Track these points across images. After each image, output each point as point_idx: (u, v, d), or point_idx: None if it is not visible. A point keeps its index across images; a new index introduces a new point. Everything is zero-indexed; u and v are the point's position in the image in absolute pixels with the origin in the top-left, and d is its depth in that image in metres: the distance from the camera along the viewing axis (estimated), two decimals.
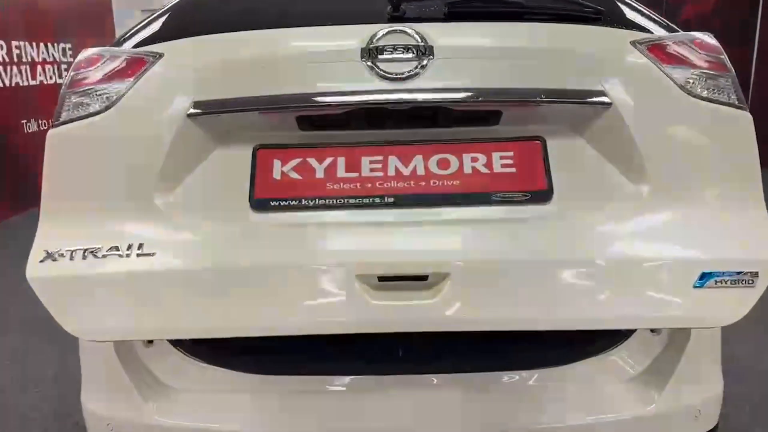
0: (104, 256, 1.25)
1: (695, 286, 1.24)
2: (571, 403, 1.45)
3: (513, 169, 1.33)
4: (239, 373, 1.47)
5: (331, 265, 1.24)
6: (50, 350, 2.75)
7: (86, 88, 1.34)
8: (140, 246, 1.26)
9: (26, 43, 5.47)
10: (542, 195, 1.31)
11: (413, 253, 1.26)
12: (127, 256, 1.25)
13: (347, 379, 1.47)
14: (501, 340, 1.53)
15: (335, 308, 1.25)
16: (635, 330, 1.48)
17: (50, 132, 1.33)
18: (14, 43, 5.30)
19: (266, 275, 1.25)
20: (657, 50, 1.33)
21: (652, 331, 1.49)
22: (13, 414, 2.34)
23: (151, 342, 1.49)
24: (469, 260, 1.25)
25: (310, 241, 1.28)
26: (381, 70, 1.29)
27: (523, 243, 1.27)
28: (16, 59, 5.33)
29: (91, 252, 1.26)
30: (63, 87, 1.37)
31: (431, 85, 1.29)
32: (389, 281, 1.26)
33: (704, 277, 1.24)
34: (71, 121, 1.32)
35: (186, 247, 1.28)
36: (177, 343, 1.50)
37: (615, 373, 1.47)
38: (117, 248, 1.26)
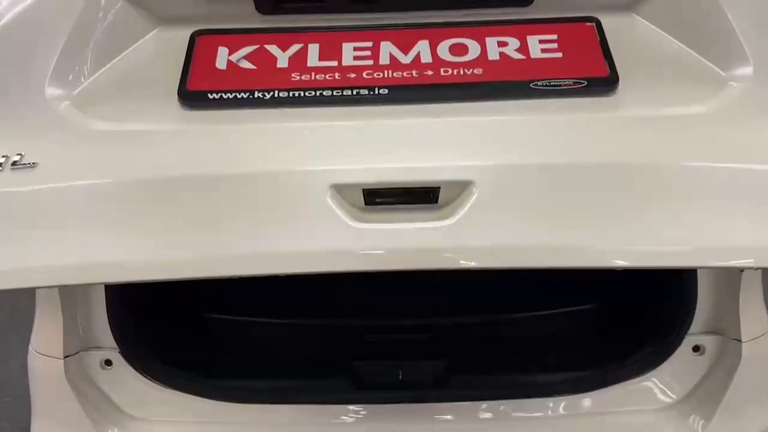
0: None
1: None
2: None
3: (558, 54, 0.99)
4: (211, 402, 1.33)
5: (293, 173, 0.90)
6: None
7: None
8: (18, 157, 0.92)
9: None
10: (604, 82, 0.95)
11: (417, 156, 0.90)
12: None
13: (334, 408, 1.32)
14: (518, 360, 1.38)
15: (300, 235, 0.89)
16: (675, 349, 1.30)
17: None
18: None
19: (195, 191, 0.91)
20: None
21: (694, 350, 1.31)
22: None
23: (109, 363, 1.33)
24: (505, 164, 0.89)
25: (263, 144, 0.94)
26: None
27: (582, 142, 0.91)
28: None
29: None
30: None
31: None
32: (382, 199, 0.91)
33: None
34: None
35: (81, 154, 0.95)
36: (140, 367, 1.33)
37: (651, 401, 1.31)
38: None
